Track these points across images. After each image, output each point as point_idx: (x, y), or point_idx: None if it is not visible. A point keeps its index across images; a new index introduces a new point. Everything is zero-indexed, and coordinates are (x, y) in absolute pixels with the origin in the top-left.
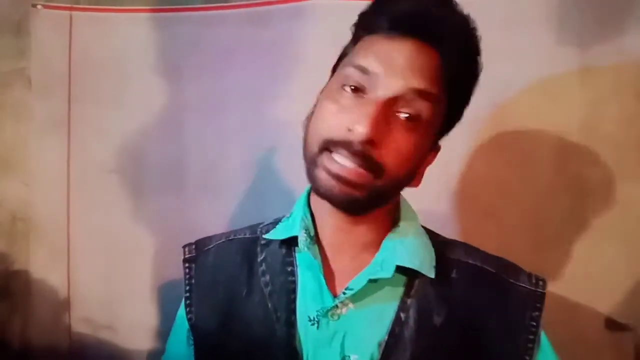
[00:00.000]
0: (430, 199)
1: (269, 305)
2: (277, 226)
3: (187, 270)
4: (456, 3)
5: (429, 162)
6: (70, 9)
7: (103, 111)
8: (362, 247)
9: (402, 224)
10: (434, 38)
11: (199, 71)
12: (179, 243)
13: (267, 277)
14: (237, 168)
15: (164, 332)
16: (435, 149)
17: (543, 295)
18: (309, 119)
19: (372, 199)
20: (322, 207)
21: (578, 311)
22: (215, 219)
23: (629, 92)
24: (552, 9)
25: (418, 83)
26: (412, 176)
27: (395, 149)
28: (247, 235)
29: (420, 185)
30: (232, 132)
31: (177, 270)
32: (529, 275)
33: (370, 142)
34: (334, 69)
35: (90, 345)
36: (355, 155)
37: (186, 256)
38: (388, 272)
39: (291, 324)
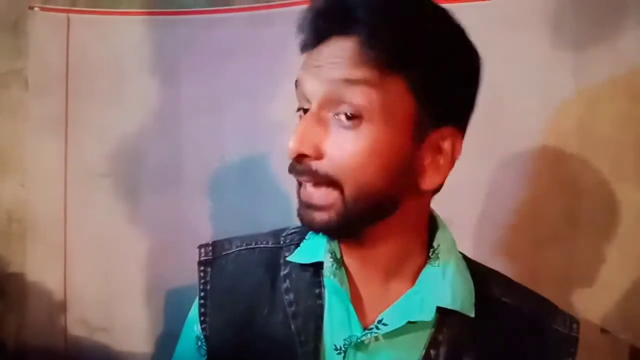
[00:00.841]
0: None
1: (292, 327)
2: (302, 245)
3: (202, 274)
4: None
5: (453, 153)
6: (68, 11)
7: (100, 112)
8: (389, 274)
9: (441, 251)
10: (346, 29)
11: (196, 73)
12: (175, 245)
13: (291, 296)
14: (234, 169)
15: (159, 334)
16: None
17: (577, 339)
18: None
19: (350, 217)
20: None
21: (573, 310)
22: (212, 220)
23: (624, 93)
24: (547, 11)
25: (336, 72)
26: (399, 178)
27: (340, 154)
28: (270, 245)
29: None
30: (229, 134)
31: (173, 272)
32: (564, 316)
33: (302, 156)
34: None
35: (86, 347)
36: (303, 174)
37: (202, 258)
38: (429, 315)
39: (317, 352)
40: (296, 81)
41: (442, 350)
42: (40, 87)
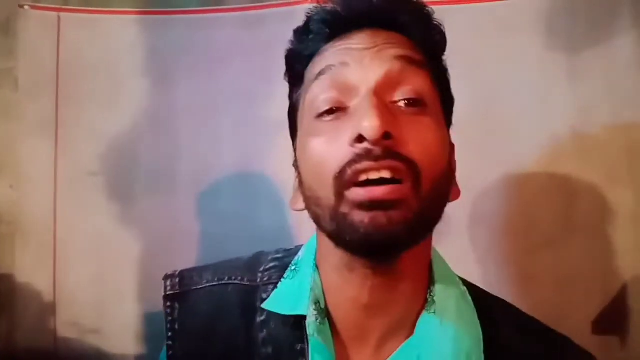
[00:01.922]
0: None
1: None
2: (280, 285)
3: (168, 311)
4: None
5: (454, 163)
6: (59, 9)
7: (92, 113)
8: (390, 329)
9: (438, 293)
10: (386, 23)
11: (190, 73)
12: (168, 246)
13: (269, 350)
14: (229, 170)
15: (151, 336)
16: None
17: None
18: (299, 189)
19: (423, 220)
20: (342, 279)
21: (566, 314)
22: (206, 222)
23: (618, 96)
24: (542, 14)
25: (397, 50)
26: (451, 181)
27: (415, 138)
28: (245, 282)
29: None
30: (224, 135)
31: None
32: (577, 354)
33: (387, 135)
34: (293, 129)
35: (77, 349)
36: (383, 159)
37: (168, 292)
38: None
39: None
40: (320, 72)
41: None
42: (31, 87)
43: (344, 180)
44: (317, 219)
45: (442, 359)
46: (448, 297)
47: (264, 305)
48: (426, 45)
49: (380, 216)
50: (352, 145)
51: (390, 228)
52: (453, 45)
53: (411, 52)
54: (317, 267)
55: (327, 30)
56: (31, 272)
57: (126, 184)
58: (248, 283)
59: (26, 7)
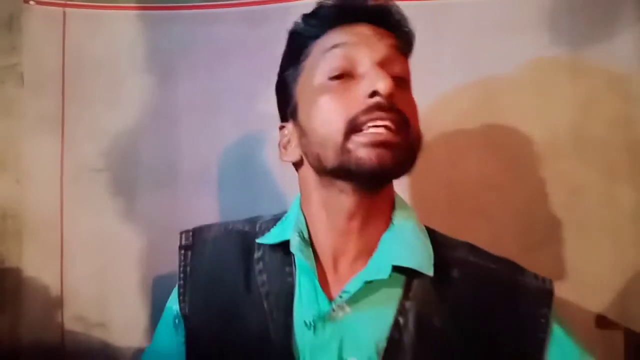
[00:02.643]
0: (420, 199)
1: (265, 305)
2: (272, 229)
3: (182, 257)
4: None
5: None
6: (64, 5)
7: (96, 109)
8: (361, 249)
9: (396, 221)
10: (377, 20)
11: (192, 69)
12: (171, 241)
13: (264, 277)
14: (231, 166)
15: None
16: None
17: (551, 292)
18: (296, 143)
19: (410, 158)
20: (324, 212)
21: (569, 310)
22: (209, 217)
23: (619, 93)
24: (544, 11)
25: (392, 41)
26: (421, 140)
27: (405, 102)
28: (247, 229)
29: (409, 186)
30: (225, 131)
31: (170, 268)
32: (535, 274)
33: (392, 95)
34: (286, 99)
35: (83, 342)
36: (389, 112)
37: (183, 243)
38: (384, 273)
39: (288, 327)
40: (336, 44)
41: (411, 315)
42: (36, 83)
43: (356, 123)
44: (317, 159)
45: (395, 261)
46: (405, 223)
47: (258, 240)
48: (405, 41)
49: (385, 153)
50: (363, 99)
51: (392, 163)
52: (454, 42)
53: (400, 44)
54: (301, 209)
55: (334, 17)
56: (38, 266)
57: (130, 180)
58: (248, 230)
59: (31, 3)
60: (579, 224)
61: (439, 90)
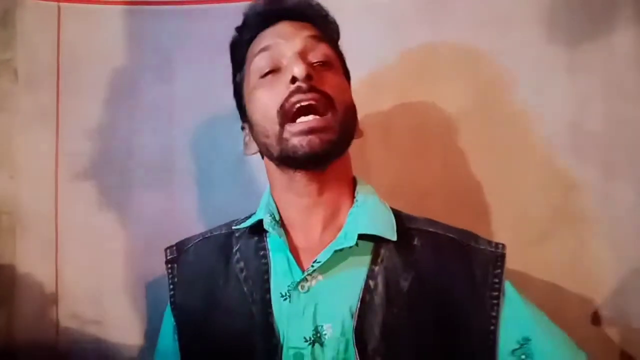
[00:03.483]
0: (415, 197)
1: (245, 289)
2: (247, 220)
3: (169, 271)
4: None
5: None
6: (59, 0)
7: (91, 104)
8: (326, 222)
9: (359, 197)
10: (294, 16)
11: (189, 65)
12: (168, 238)
13: (242, 264)
14: (227, 163)
15: (152, 326)
16: None
17: (503, 255)
18: (250, 138)
19: (341, 137)
20: (286, 191)
21: (565, 306)
22: (205, 214)
23: (617, 90)
24: (542, 7)
25: (309, 31)
26: (356, 114)
27: (328, 83)
28: (223, 231)
29: (406, 184)
30: (222, 127)
31: (164, 266)
32: (489, 240)
33: (309, 76)
34: (240, 105)
35: (78, 339)
36: (309, 92)
37: (168, 257)
38: (351, 241)
39: (266, 302)
40: (261, 49)
41: (380, 278)
42: (30, 79)
43: (285, 111)
44: (266, 149)
45: (361, 230)
46: (367, 198)
47: (234, 226)
48: (324, 28)
49: (314, 139)
50: (287, 86)
51: (321, 146)
52: (452, 39)
53: (316, 32)
54: (271, 195)
55: (259, 22)
56: (32, 263)
57: (126, 176)
58: (225, 231)
59: None
60: (576, 222)
61: (437, 86)
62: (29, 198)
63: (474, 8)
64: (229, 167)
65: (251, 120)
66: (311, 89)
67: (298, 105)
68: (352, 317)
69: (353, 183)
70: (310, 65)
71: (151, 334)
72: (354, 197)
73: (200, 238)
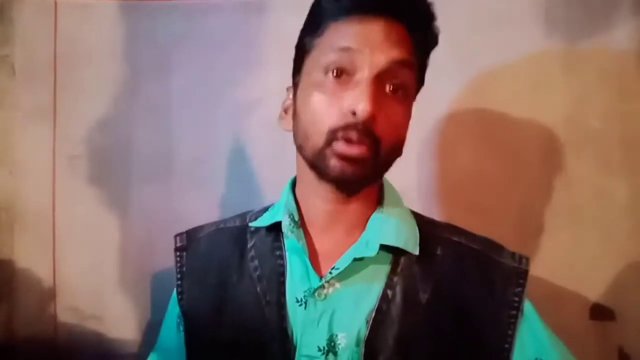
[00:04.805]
0: (414, 193)
1: (258, 289)
2: (264, 214)
3: (178, 259)
4: None
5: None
6: None
7: (89, 100)
8: (349, 229)
9: (386, 204)
10: (399, 15)
11: (187, 61)
12: (166, 233)
13: (256, 262)
14: (226, 158)
15: (151, 321)
16: None
17: (526, 272)
18: (292, 114)
19: (377, 172)
20: (313, 193)
21: (563, 302)
22: (203, 208)
23: (614, 86)
24: (539, 3)
25: (398, 54)
26: (400, 152)
27: (389, 123)
28: (237, 224)
29: (404, 180)
30: (220, 122)
31: (164, 260)
32: (513, 254)
33: (372, 118)
34: (297, 66)
35: (77, 334)
36: (362, 134)
37: (177, 245)
38: (372, 251)
39: (281, 305)
40: (343, 48)
41: (398, 289)
42: (28, 74)
43: (334, 137)
44: (299, 146)
45: (383, 241)
46: (393, 206)
47: (250, 224)
48: (423, 45)
49: (348, 167)
50: (348, 112)
51: (354, 176)
52: (450, 35)
53: (409, 56)
54: (293, 194)
55: (355, 4)
56: (31, 258)
57: (124, 172)
58: (239, 224)
59: None
60: (573, 217)
61: (434, 84)
62: (27, 194)
63: (471, 6)
64: (228, 163)
65: (298, 109)
66: (365, 132)
67: (346, 142)
68: (367, 326)
69: (380, 186)
70: (379, 95)
71: (150, 328)
72: (378, 200)
73: (214, 228)
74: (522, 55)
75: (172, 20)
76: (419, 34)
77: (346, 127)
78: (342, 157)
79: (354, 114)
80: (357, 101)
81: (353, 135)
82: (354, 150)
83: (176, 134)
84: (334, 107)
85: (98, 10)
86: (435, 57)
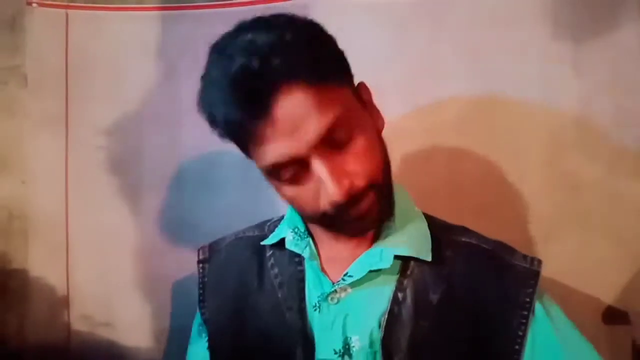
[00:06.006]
0: (421, 197)
1: (279, 295)
2: (275, 230)
3: (200, 270)
4: (274, 21)
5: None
6: (66, 7)
7: (100, 109)
8: (361, 236)
9: (397, 211)
10: (286, 76)
11: (196, 69)
12: (177, 240)
13: (276, 270)
14: (235, 165)
15: (162, 328)
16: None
17: (538, 273)
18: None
19: (385, 200)
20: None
21: (573, 306)
22: (214, 215)
23: (622, 86)
24: (546, 4)
25: (318, 122)
26: (384, 156)
27: (361, 164)
28: (256, 234)
29: (410, 183)
30: None
31: (175, 268)
32: (524, 255)
33: (351, 190)
34: (239, 146)
35: (90, 342)
36: (353, 199)
37: (200, 257)
38: (387, 263)
39: (302, 311)
40: (277, 164)
41: (409, 291)
42: (39, 84)
43: (332, 217)
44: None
45: (397, 252)
46: (405, 212)
47: (261, 243)
48: (336, 77)
49: (364, 223)
50: (325, 194)
51: (372, 226)
52: (456, 36)
53: (323, 118)
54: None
55: (251, 97)
56: (44, 266)
57: (135, 180)
58: (258, 234)
59: (34, 5)
60: (582, 219)
61: (440, 86)
62: (40, 202)
63: (476, 7)
64: (238, 168)
65: (274, 188)
66: (353, 195)
67: (349, 213)
68: (380, 329)
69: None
70: (333, 152)
71: (163, 335)
72: (390, 207)
73: (233, 238)
74: (530, 55)
75: (181, 29)
76: (315, 74)
77: (339, 209)
78: (356, 219)
79: (334, 205)
80: (327, 197)
81: (349, 210)
82: (363, 207)
83: (186, 141)
84: (310, 197)
85: (108, 20)
86: (441, 60)
